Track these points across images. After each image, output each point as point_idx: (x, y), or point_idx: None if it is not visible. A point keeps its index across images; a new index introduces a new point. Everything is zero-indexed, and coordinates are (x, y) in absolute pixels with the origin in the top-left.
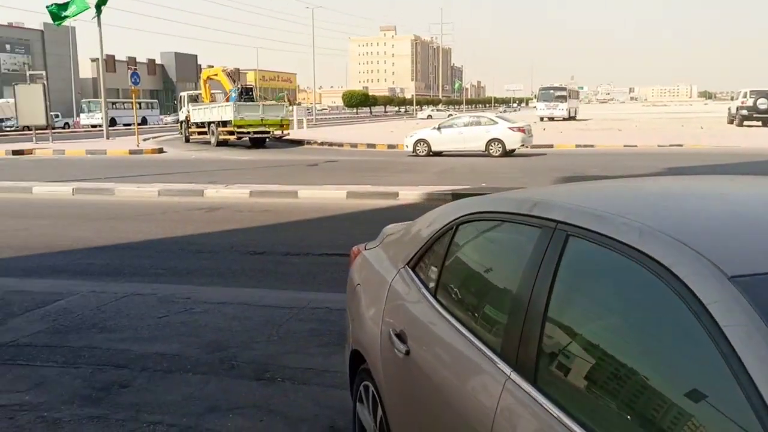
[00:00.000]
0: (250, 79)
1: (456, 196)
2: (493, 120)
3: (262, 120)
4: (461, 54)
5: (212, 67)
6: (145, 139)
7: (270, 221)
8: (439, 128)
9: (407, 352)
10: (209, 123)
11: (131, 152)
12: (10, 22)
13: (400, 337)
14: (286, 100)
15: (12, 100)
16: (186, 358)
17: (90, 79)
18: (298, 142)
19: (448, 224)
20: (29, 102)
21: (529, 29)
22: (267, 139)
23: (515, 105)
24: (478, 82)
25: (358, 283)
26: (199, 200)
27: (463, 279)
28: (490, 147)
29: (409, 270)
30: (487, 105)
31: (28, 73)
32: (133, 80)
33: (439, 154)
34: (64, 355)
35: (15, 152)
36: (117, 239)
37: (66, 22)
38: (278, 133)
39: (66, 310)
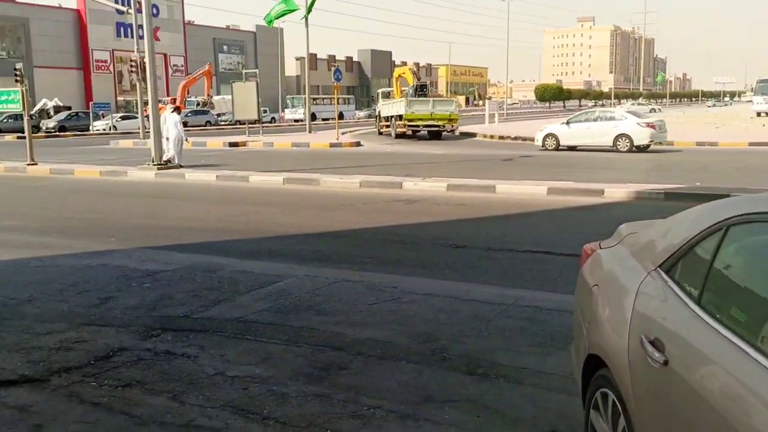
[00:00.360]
0: (442, 74)
1: (670, 195)
2: (622, 115)
3: (431, 114)
4: (665, 45)
5: (405, 63)
6: (343, 133)
7: (468, 215)
8: (568, 123)
9: (665, 362)
10: (390, 117)
11: (331, 145)
12: (228, 25)
13: (655, 345)
14: (476, 94)
15: (228, 97)
16: (398, 346)
17: (294, 77)
18: (471, 135)
19: (715, 225)
20: (244, 98)
21: (743, 17)
22: (442, 133)
23: (727, 99)
24: (684, 75)
25: (595, 284)
26: (397, 192)
27: (741, 288)
28: (618, 142)
29: (662, 273)
30: (693, 99)
31: (243, 72)
32: (335, 77)
33: (573, 148)
34: (286, 334)
35: (231, 144)
36: (324, 227)
37: (276, 24)
38: (448, 127)
39: (285, 292)
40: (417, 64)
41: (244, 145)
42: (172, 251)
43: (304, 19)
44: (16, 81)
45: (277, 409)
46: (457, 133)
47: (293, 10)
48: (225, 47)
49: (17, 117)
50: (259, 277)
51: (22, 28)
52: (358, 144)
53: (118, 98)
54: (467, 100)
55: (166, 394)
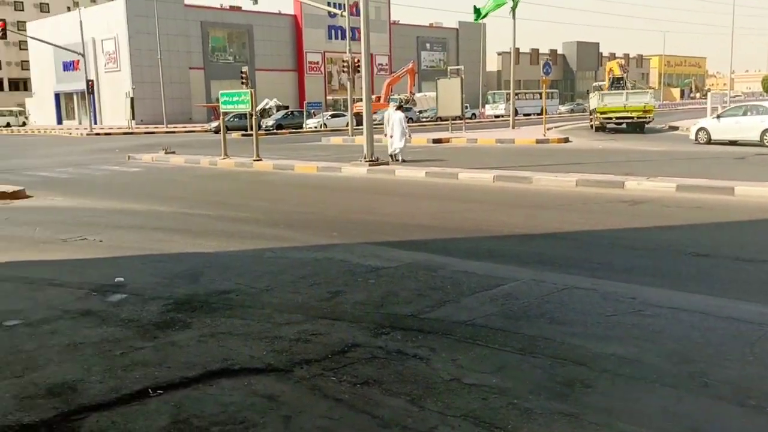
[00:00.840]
0: (654, 65)
1: None
2: None
3: (624, 106)
4: None
5: (613, 55)
6: (548, 129)
7: (705, 220)
8: (718, 117)
9: None
10: (592, 111)
11: (538, 141)
12: (431, 23)
13: None
14: (692, 86)
15: (429, 94)
16: (648, 366)
17: (495, 72)
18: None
19: None
20: (448, 95)
21: None
22: (644, 125)
23: None
24: None
25: None
26: (619, 192)
27: None
28: (765, 137)
29: None
30: None
31: (448, 68)
32: (545, 70)
33: (734, 143)
34: (519, 342)
35: (435, 141)
36: (543, 227)
37: (483, 19)
38: (643, 118)
39: (511, 296)
40: (626, 56)
41: (448, 142)
42: (392, 247)
43: (511, 12)
44: (242, 83)
45: (523, 425)
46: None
47: (501, 5)
48: (428, 45)
49: (241, 116)
50: (482, 279)
51: (247, 34)
52: (566, 140)
53: (327, 97)
54: (682, 93)
55: (404, 397)
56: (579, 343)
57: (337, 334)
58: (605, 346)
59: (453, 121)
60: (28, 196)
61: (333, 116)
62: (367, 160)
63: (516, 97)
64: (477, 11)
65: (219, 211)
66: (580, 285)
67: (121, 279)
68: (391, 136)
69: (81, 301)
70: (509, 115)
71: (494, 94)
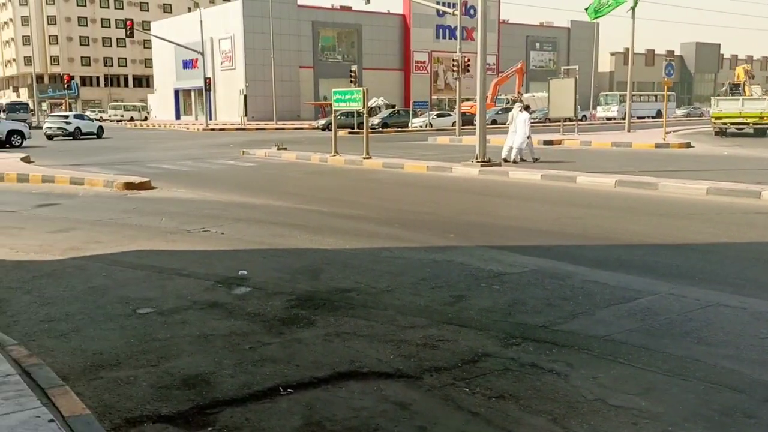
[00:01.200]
0: None
1: None
2: None
3: (740, 112)
4: None
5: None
6: (667, 133)
7: None
8: None
9: None
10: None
11: (657, 146)
12: (541, 22)
13: None
14: None
15: (537, 94)
16: None
17: (607, 73)
18: None
19: None
20: (560, 95)
21: None
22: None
23: None
24: None
25: None
26: (756, 203)
27: None
28: None
29: None
30: None
31: (561, 68)
32: (667, 71)
33: None
34: (666, 362)
35: (546, 142)
36: (674, 237)
37: (599, 18)
38: (761, 125)
39: (650, 311)
40: (750, 58)
41: (560, 144)
42: (513, 252)
43: (630, 11)
44: (351, 81)
45: None
46: None
47: (620, 3)
48: (537, 44)
49: (348, 114)
50: (615, 290)
51: (356, 33)
52: (687, 145)
53: (433, 97)
54: None
55: (545, 415)
56: (733, 367)
57: (465, 342)
58: (764, 373)
59: (565, 123)
60: (153, 187)
61: (439, 116)
62: (479, 160)
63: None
64: (594, 9)
65: (333, 208)
66: (726, 302)
67: (245, 272)
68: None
69: (208, 293)
70: (622, 118)
71: (606, 95)
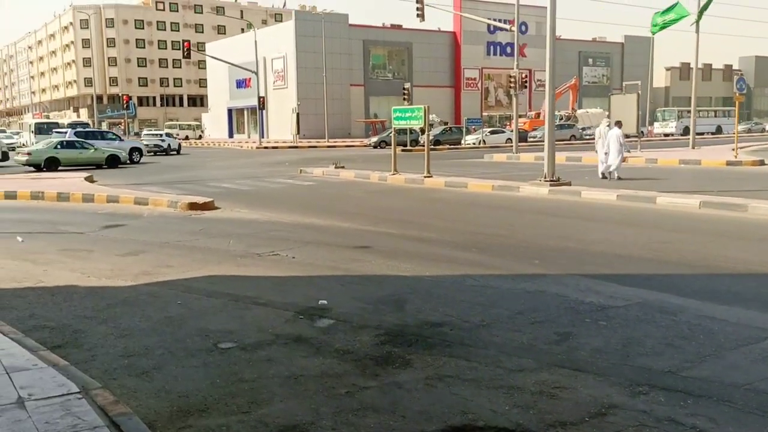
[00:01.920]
0: None
1: None
2: None
3: None
4: None
5: None
6: (733, 149)
7: None
8: None
9: None
10: None
11: (728, 163)
12: (594, 37)
13: None
14: None
15: (591, 110)
16: None
17: (662, 88)
18: None
19: None
20: (622, 111)
21: None
22: None
23: None
24: None
25: None
26: None
27: None
28: None
29: None
30: None
31: (623, 83)
32: (738, 86)
33: None
34: None
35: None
36: None
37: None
38: None
39: None
40: None
41: (625, 161)
42: (609, 282)
43: (694, 24)
44: (404, 99)
45: None
46: None
47: (683, 17)
48: (590, 60)
49: (400, 131)
50: (738, 329)
51: (406, 51)
52: (761, 162)
53: (483, 113)
54: None
55: None
56: None
57: (586, 390)
58: None
59: (627, 140)
60: (216, 208)
61: (492, 132)
62: (548, 179)
63: (689, 114)
64: (660, 26)
65: (402, 230)
66: None
67: (325, 302)
68: (606, 153)
69: (290, 325)
70: (680, 134)
71: (664, 111)
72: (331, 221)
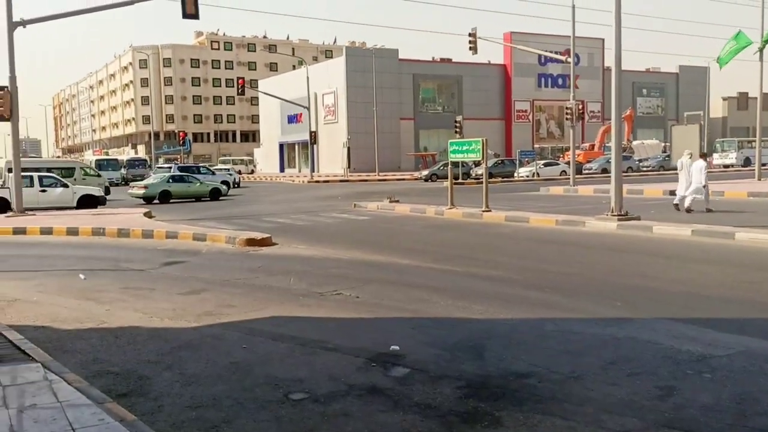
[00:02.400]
0: None
1: None
2: None
3: None
4: None
5: None
6: None
7: None
8: None
9: None
10: None
11: None
12: (648, 68)
13: None
14: None
15: (647, 142)
16: None
17: (719, 119)
18: None
19: None
20: (684, 142)
21: None
22: None
23: None
24: None
25: None
26: None
27: None
28: None
29: None
30: None
31: (684, 114)
32: None
33: None
34: None
35: (672, 192)
36: None
37: (700, 62)
38: None
39: None
40: None
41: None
42: (703, 327)
43: (758, 53)
44: (456, 132)
45: None
46: None
47: (746, 46)
48: (644, 90)
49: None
50: None
51: (456, 84)
52: None
53: (535, 146)
54: None
55: None
56: None
57: None
58: None
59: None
60: (274, 244)
61: (546, 165)
62: (615, 213)
63: (749, 145)
64: (720, 58)
65: (466, 267)
66: None
67: (397, 348)
68: (690, 185)
69: (362, 373)
70: (741, 165)
71: (723, 142)
72: (392, 258)
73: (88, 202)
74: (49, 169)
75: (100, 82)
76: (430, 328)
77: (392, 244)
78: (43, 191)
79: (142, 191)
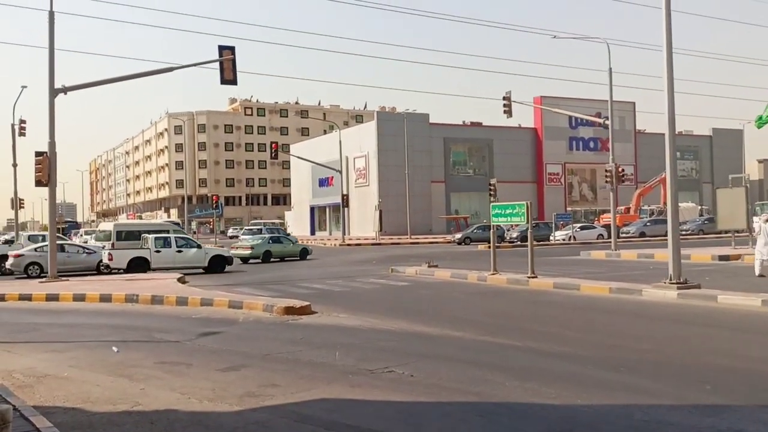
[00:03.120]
0: None
1: None
2: None
3: None
4: None
5: None
6: None
7: None
8: None
9: None
10: None
11: None
12: (680, 131)
13: None
14: None
15: (683, 205)
16: None
17: (756, 181)
18: None
19: None
20: (730, 205)
21: None
22: None
23: None
24: None
25: None
26: None
27: None
28: None
29: None
30: None
31: (729, 176)
32: None
33: None
34: None
35: (722, 258)
36: None
37: (732, 125)
38: None
39: None
40: None
41: (739, 259)
42: None
43: None
44: (491, 194)
45: None
46: None
47: None
48: (678, 153)
49: (485, 228)
50: None
51: (487, 148)
52: None
53: (568, 208)
54: None
55: None
56: None
57: None
58: None
59: (737, 235)
60: (313, 312)
61: (582, 228)
62: (674, 281)
63: None
64: (759, 118)
65: (524, 341)
66: None
67: None
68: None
69: None
70: None
71: (763, 204)
72: (441, 329)
73: (218, 262)
74: (146, 231)
75: (136, 147)
76: (501, 416)
77: (438, 313)
78: (179, 252)
79: (248, 252)
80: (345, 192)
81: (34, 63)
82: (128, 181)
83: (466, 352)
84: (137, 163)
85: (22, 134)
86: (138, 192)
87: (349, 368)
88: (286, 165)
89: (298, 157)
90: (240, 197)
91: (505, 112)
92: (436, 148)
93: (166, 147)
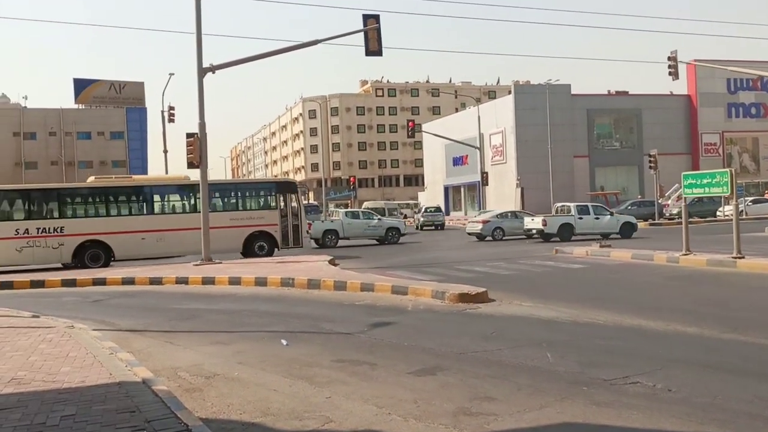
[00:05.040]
0: None
1: None
2: None
3: None
4: None
5: None
6: None
7: None
8: None
9: None
10: None
11: None
12: None
13: None
14: None
15: None
16: None
17: None
18: None
19: None
20: None
21: None
22: None
23: None
24: None
25: None
26: None
27: None
28: None
29: None
30: None
31: None
32: None
33: None
34: None
35: None
36: None
37: None
38: None
39: None
40: None
41: None
42: None
43: None
44: (650, 167)
45: None
46: None
47: None
48: None
49: (639, 204)
50: None
51: (635, 118)
52: None
53: None
54: None
55: None
56: None
57: None
58: None
59: None
60: (491, 300)
61: (755, 202)
62: None
63: None
64: None
65: (761, 339)
66: None
67: None
68: None
69: None
70: None
71: None
72: (665, 323)
73: (629, 229)
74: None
75: (273, 133)
76: None
77: (642, 301)
78: (597, 218)
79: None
80: (484, 170)
81: (171, 53)
82: (266, 166)
83: (719, 356)
84: (274, 148)
85: (171, 120)
86: (276, 176)
87: (576, 376)
88: (418, 145)
89: (434, 134)
90: (372, 179)
91: (670, 74)
92: (579, 121)
93: (301, 132)
